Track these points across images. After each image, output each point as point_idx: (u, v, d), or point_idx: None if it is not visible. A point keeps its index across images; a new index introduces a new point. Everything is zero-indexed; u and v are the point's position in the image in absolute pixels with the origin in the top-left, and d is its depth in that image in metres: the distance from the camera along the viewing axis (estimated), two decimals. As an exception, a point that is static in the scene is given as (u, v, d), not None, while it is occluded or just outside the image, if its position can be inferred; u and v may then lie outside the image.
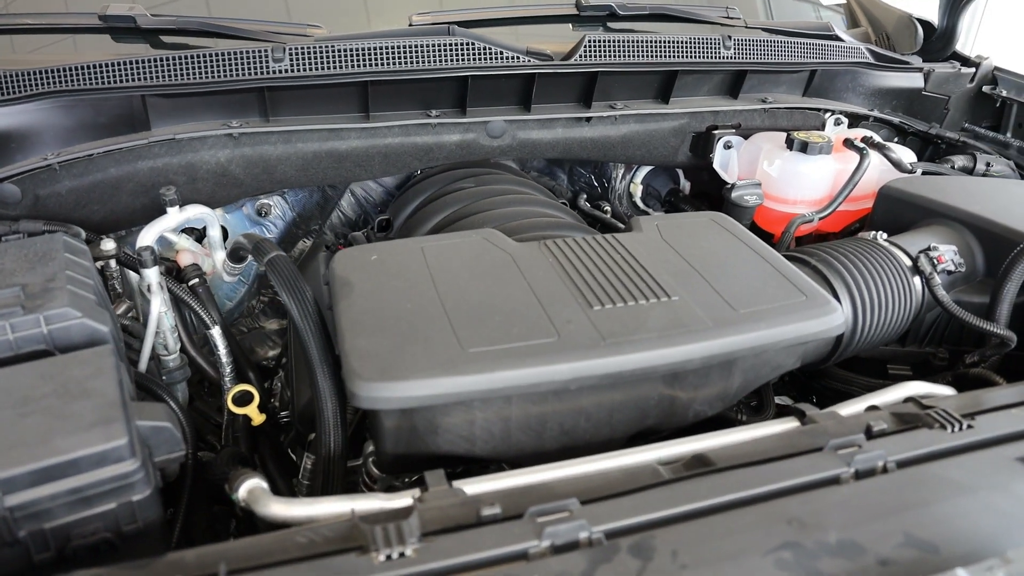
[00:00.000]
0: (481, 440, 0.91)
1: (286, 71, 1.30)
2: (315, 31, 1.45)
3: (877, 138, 1.60)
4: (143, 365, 1.21)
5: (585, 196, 1.90)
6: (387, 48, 1.34)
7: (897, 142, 1.86)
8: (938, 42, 1.94)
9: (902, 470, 0.82)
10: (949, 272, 1.25)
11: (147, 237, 1.27)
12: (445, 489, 0.80)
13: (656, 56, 1.50)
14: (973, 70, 1.85)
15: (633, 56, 1.47)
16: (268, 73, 1.29)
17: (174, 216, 1.30)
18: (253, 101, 1.34)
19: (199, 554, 0.71)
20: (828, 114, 1.71)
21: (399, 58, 1.34)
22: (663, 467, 0.84)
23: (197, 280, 1.38)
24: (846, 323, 1.11)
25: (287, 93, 1.35)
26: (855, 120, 1.77)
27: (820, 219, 1.53)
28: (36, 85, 1.24)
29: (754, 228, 1.62)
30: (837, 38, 1.76)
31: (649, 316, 0.94)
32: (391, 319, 0.91)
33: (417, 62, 1.35)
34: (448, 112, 1.44)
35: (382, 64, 1.34)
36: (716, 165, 1.64)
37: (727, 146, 1.63)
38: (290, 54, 1.30)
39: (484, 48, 1.38)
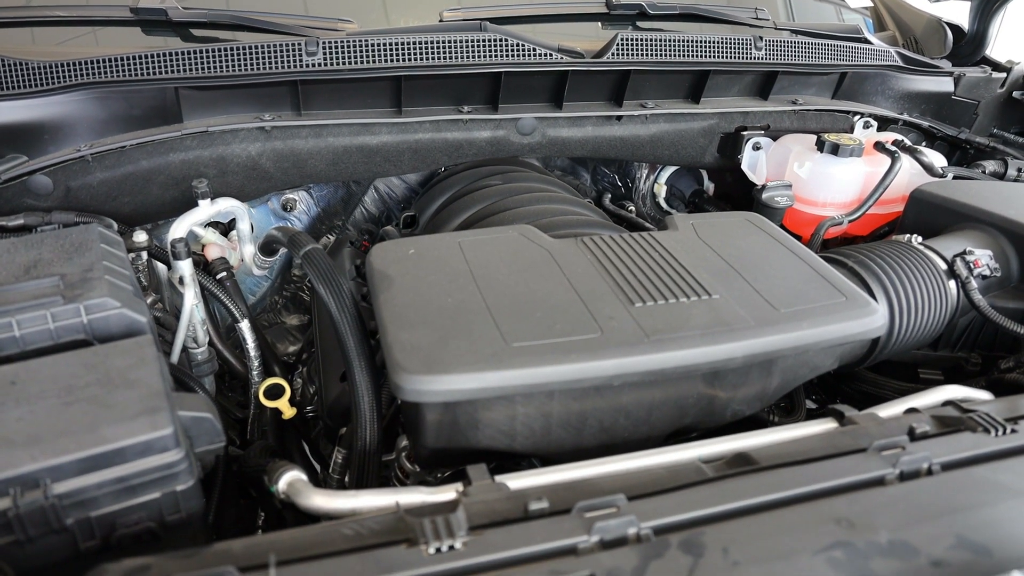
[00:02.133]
0: (521, 435, 0.90)
1: (319, 64, 1.30)
2: (346, 26, 1.45)
3: (908, 142, 1.59)
4: (175, 357, 1.21)
5: (610, 195, 1.90)
6: (420, 43, 1.33)
7: (925, 146, 1.86)
8: (967, 47, 1.93)
9: (948, 472, 0.82)
10: (984, 277, 1.24)
11: (179, 229, 1.27)
12: (489, 483, 0.80)
13: (688, 56, 1.49)
14: (1004, 75, 1.85)
15: (665, 55, 1.47)
16: (302, 66, 1.29)
17: (205, 209, 1.30)
18: (285, 95, 1.34)
19: (247, 544, 0.71)
20: (857, 117, 1.70)
21: (432, 53, 1.34)
22: (706, 465, 0.83)
23: (225, 273, 1.38)
24: (885, 325, 1.10)
25: (320, 87, 1.35)
26: (884, 123, 1.76)
27: (850, 222, 1.52)
28: (69, 76, 1.25)
29: (783, 230, 1.62)
30: (866, 41, 1.75)
31: (691, 314, 0.93)
32: (433, 313, 0.91)
33: (450, 58, 1.35)
34: (480, 108, 1.44)
35: (415, 59, 1.34)
36: (744, 166, 1.64)
37: (756, 147, 1.62)
38: (324, 48, 1.30)
39: (517, 45, 1.37)
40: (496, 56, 1.37)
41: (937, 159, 1.61)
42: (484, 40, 1.37)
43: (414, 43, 1.33)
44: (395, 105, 1.40)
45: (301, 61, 1.29)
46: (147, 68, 1.26)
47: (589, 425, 0.92)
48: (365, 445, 1.00)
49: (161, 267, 1.35)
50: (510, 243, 1.08)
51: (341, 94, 1.37)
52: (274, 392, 1.20)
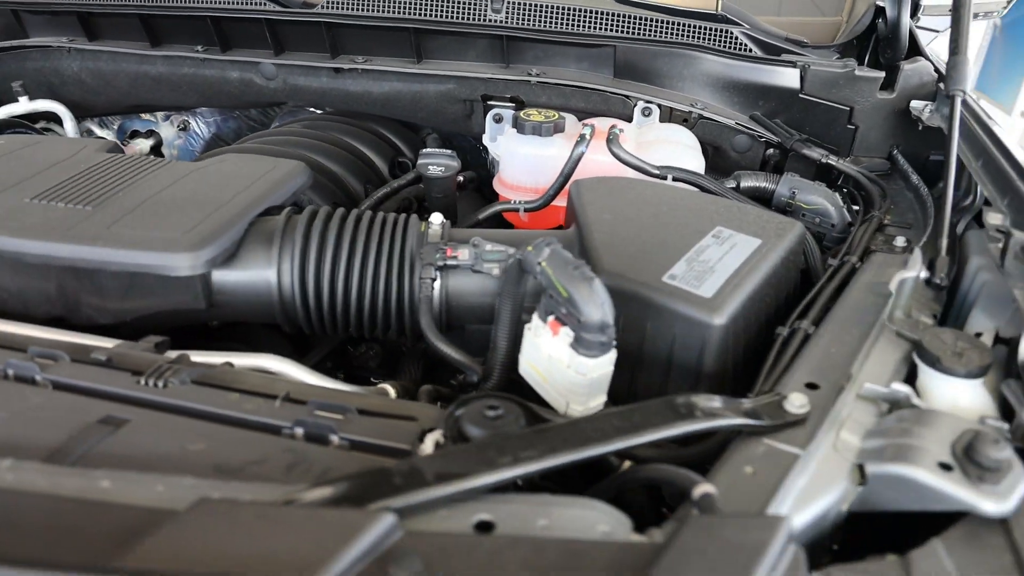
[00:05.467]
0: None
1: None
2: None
3: (623, 130, 1.32)
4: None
5: None
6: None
7: (772, 154, 1.47)
8: (890, 39, 1.44)
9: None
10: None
11: (-1, 115, 1.72)
12: None
13: (407, 13, 1.46)
14: (880, 75, 1.36)
15: (379, 10, 1.46)
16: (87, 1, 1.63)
17: (24, 104, 1.73)
18: (76, 24, 1.68)
19: None
20: (639, 103, 1.44)
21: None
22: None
23: None
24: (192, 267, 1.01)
25: (107, 20, 1.66)
26: (685, 117, 1.45)
27: (528, 210, 1.34)
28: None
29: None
30: (690, 14, 1.44)
31: (48, 216, 1.05)
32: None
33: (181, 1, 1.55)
34: (212, 49, 1.61)
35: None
36: (486, 139, 1.52)
37: (496, 119, 1.49)
38: (101, -12, 1.61)
39: (239, -8, 1.51)
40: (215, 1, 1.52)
41: (686, 160, 1.31)
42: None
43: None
44: (151, 40, 1.65)
45: (89, -2, 1.63)
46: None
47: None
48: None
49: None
50: (63, 148, 1.28)
51: (122, 27, 1.66)
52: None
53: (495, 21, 1.44)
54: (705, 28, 1.44)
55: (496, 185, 1.42)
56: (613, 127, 1.33)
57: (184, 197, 1.11)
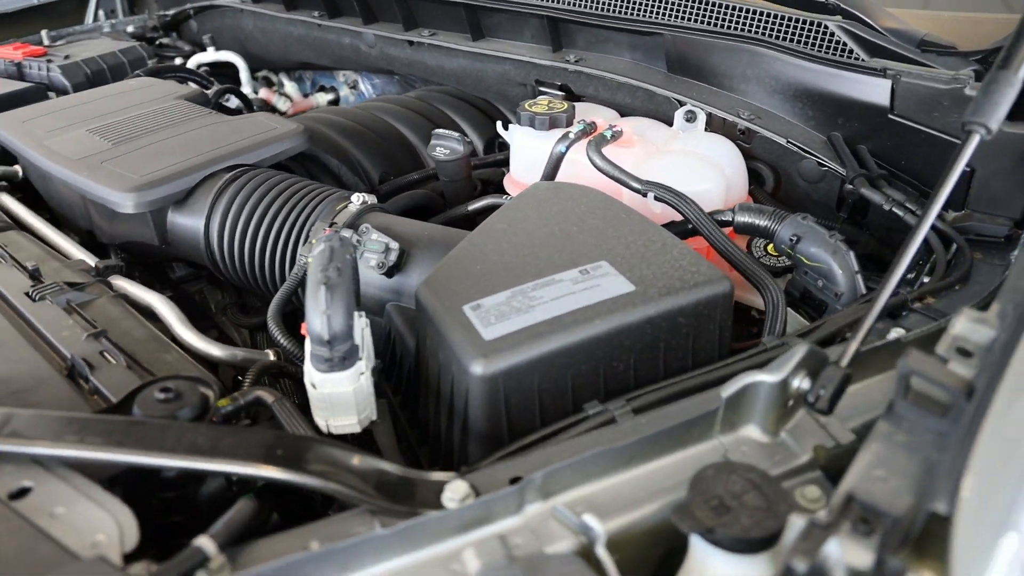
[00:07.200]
0: None
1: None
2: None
3: (621, 131, 1.11)
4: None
5: None
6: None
7: (851, 190, 1.12)
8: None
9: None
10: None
11: (190, 63, 2.05)
12: None
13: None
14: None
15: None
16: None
17: (211, 53, 2.04)
18: None
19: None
20: (686, 106, 1.20)
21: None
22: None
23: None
24: (135, 206, 1.08)
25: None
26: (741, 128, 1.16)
27: (514, 208, 1.22)
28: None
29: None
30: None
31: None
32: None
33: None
34: (323, 15, 1.72)
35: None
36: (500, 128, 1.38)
37: (534, 107, 1.36)
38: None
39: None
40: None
41: (704, 180, 1.06)
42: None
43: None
44: (286, 3, 1.81)
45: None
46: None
47: None
48: None
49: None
50: (155, 91, 1.49)
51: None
52: None
53: (543, 0, 1.31)
54: (785, 19, 1.14)
55: (507, 183, 1.31)
56: (612, 127, 1.14)
57: (185, 144, 1.23)
